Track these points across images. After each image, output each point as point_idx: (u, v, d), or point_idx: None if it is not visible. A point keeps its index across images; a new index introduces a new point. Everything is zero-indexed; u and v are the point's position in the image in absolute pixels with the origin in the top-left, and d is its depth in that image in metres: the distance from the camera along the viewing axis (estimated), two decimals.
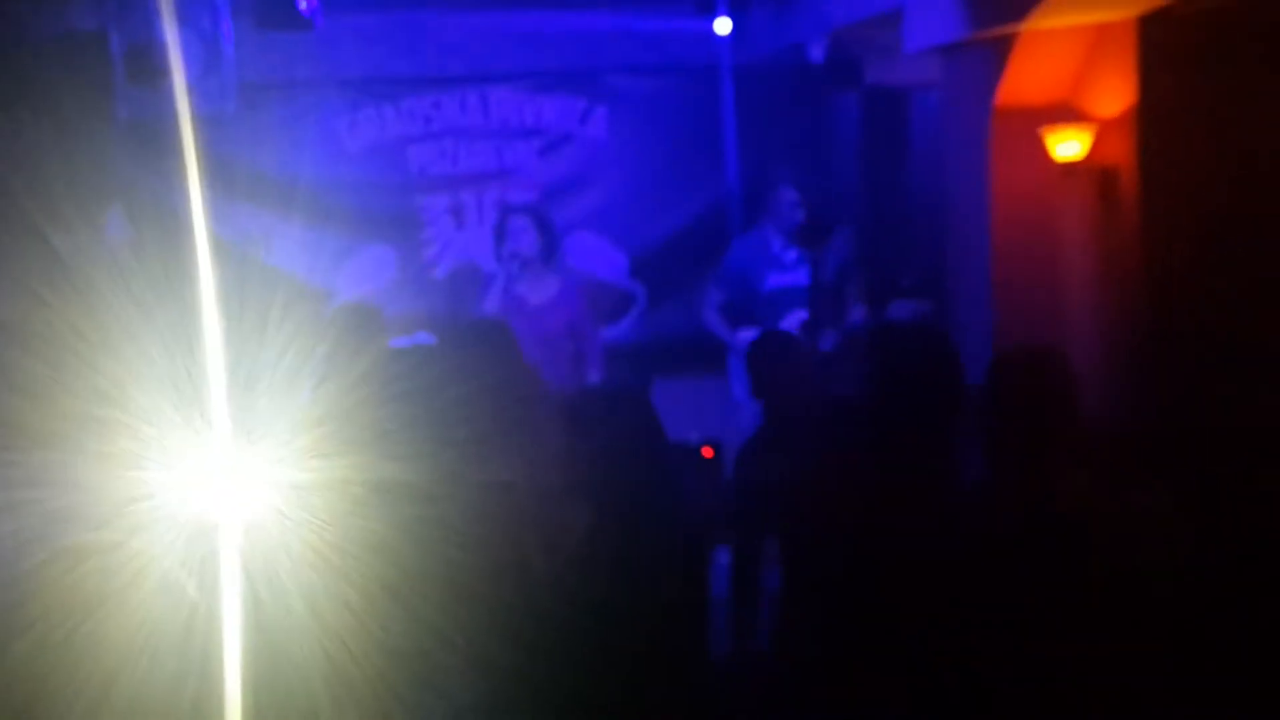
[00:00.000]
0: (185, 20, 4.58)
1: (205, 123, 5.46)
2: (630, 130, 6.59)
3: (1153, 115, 4.60)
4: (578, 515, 3.08)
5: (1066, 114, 4.91)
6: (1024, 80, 4.94)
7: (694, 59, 6.58)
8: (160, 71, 4.57)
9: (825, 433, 3.41)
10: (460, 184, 6.51)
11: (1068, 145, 4.86)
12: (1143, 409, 4.51)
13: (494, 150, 6.52)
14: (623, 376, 5.79)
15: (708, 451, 6.44)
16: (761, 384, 3.79)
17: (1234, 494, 3.28)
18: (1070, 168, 4.90)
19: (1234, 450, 3.73)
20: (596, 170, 6.60)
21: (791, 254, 5.51)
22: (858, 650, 2.93)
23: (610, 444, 3.21)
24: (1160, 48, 4.54)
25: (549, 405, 3.72)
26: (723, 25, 5.04)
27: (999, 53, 4.92)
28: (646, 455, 3.34)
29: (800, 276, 5.49)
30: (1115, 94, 4.76)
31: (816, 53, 6.19)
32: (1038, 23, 4.60)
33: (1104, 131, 4.81)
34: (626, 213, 6.65)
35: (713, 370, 6.85)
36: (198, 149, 6.36)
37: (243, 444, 2.80)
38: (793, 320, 5.47)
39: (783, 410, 3.71)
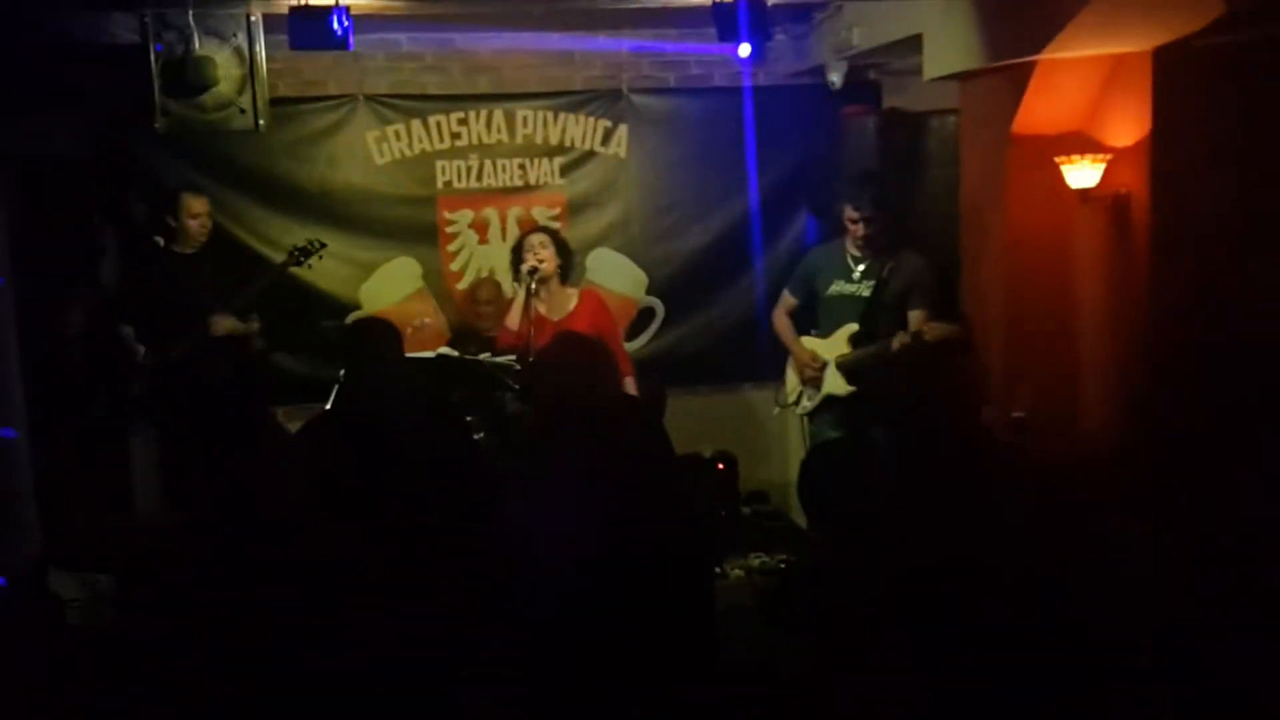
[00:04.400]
0: (221, 36, 4.71)
1: (238, 136, 5.62)
2: (652, 149, 6.69)
3: (1166, 145, 4.65)
4: (590, 528, 3.16)
5: (1081, 144, 4.97)
6: (1040, 110, 5.01)
7: (715, 80, 6.72)
8: (197, 86, 4.71)
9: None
10: (485, 199, 6.63)
11: (1082, 174, 4.92)
12: (1151, 434, 4.56)
13: (519, 167, 6.63)
14: (640, 390, 5.88)
15: (720, 465, 6.55)
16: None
17: (1233, 515, 3.35)
18: (1085, 196, 4.96)
19: (1235, 474, 3.80)
20: (618, 188, 6.71)
21: (860, 267, 5.61)
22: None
23: (619, 454, 3.29)
24: (1174, 79, 4.60)
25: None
26: (744, 49, 5.15)
27: (1017, 82, 5.00)
28: (654, 465, 3.42)
29: (863, 288, 5.58)
30: (1129, 124, 4.83)
31: (836, 76, 6.30)
32: (1054, 53, 4.67)
33: (1118, 161, 4.87)
34: (646, 230, 6.75)
35: (728, 386, 6.97)
36: (231, 161, 6.56)
37: None
38: (846, 330, 5.58)
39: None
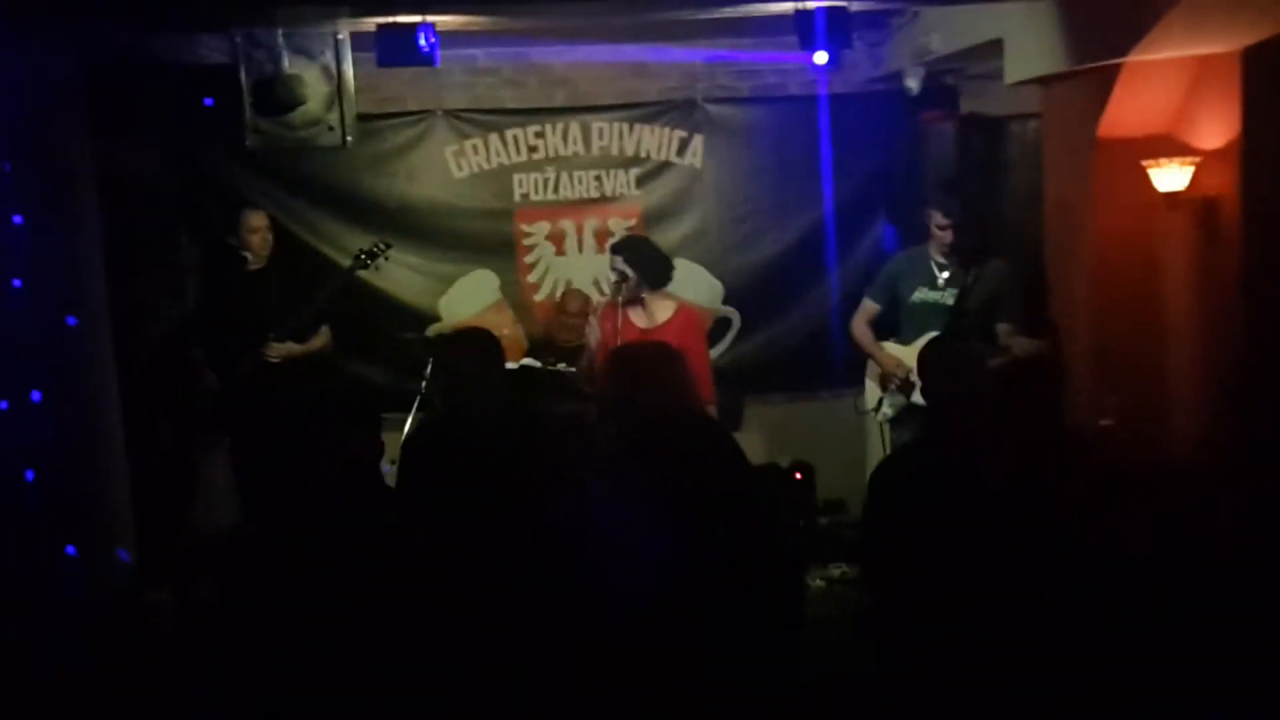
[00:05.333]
0: (310, 55, 4.80)
1: (319, 152, 5.72)
2: (727, 159, 6.69)
3: (1256, 147, 4.58)
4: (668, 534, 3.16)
5: (1169, 146, 4.90)
6: (1127, 112, 4.95)
7: (790, 89, 6.71)
8: (286, 104, 4.81)
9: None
10: (561, 211, 6.67)
11: (1170, 177, 4.86)
12: (1241, 439, 4.48)
13: (595, 178, 6.67)
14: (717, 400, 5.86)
15: (797, 474, 6.52)
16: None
17: None
18: (1172, 200, 4.89)
19: None
20: (694, 198, 6.72)
21: (944, 274, 5.56)
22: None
23: (694, 466, 3.28)
24: (1263, 79, 4.53)
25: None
26: (820, 57, 5.12)
27: (1102, 85, 4.94)
28: (731, 477, 3.42)
29: (947, 296, 5.52)
30: (1218, 126, 4.76)
31: (913, 82, 6.26)
32: (1141, 55, 4.62)
33: (1206, 164, 4.80)
34: (723, 239, 6.75)
35: (804, 394, 6.93)
36: (311, 177, 6.66)
37: None
38: (929, 338, 5.51)
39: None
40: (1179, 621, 2.89)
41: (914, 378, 5.56)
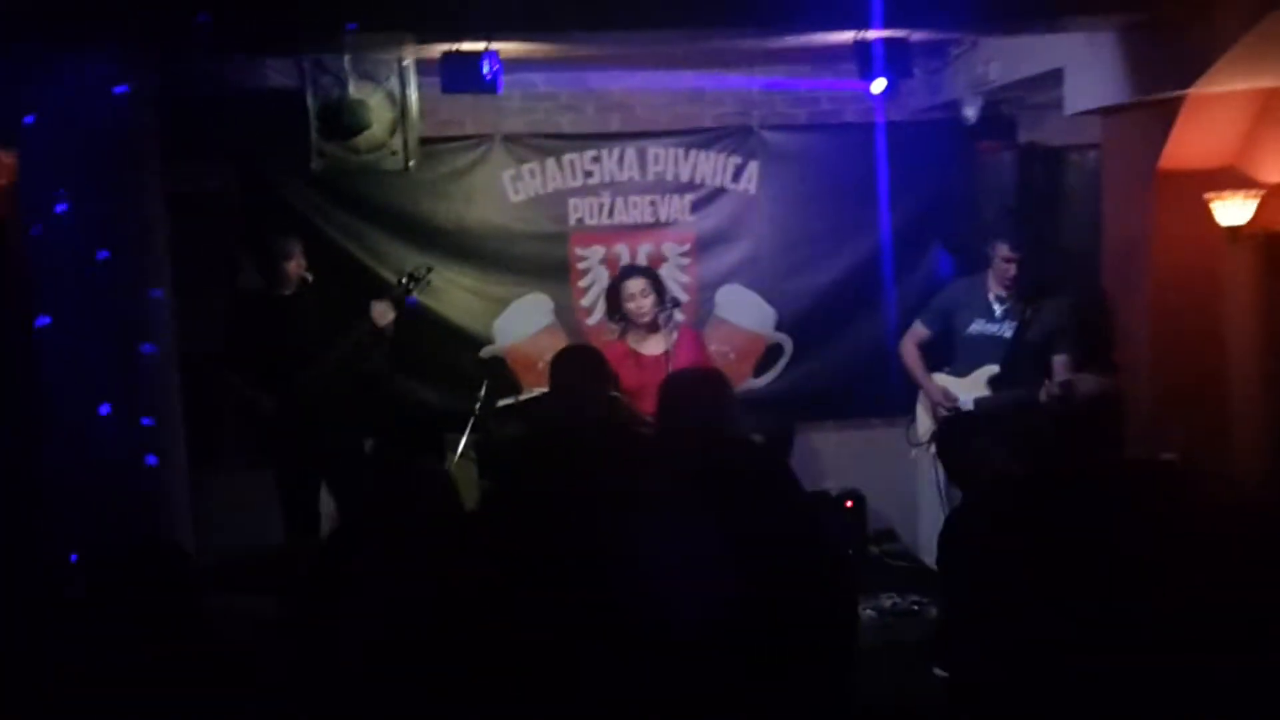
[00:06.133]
0: (375, 80, 4.88)
1: (378, 175, 5.79)
2: (782, 185, 6.70)
3: None
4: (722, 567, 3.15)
5: (1232, 179, 4.86)
6: (1190, 144, 4.91)
7: (846, 116, 6.73)
8: (351, 128, 4.88)
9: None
10: (616, 235, 6.71)
11: (1233, 211, 4.82)
12: None
13: (649, 203, 6.71)
14: (767, 427, 5.86)
15: (849, 502, 6.50)
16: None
17: None
18: (1235, 233, 4.85)
19: None
20: (748, 224, 6.73)
21: (1002, 305, 5.51)
22: None
23: (744, 495, 3.28)
24: None
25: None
26: (878, 85, 5.11)
27: (1164, 116, 4.91)
28: (784, 505, 3.41)
29: (1004, 329, 5.47)
30: None
31: (971, 111, 6.24)
32: (1205, 88, 4.58)
33: (1271, 197, 4.76)
34: (776, 266, 6.75)
35: (856, 422, 6.91)
36: (367, 198, 6.73)
37: None
38: (984, 371, 5.49)
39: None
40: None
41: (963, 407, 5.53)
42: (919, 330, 5.81)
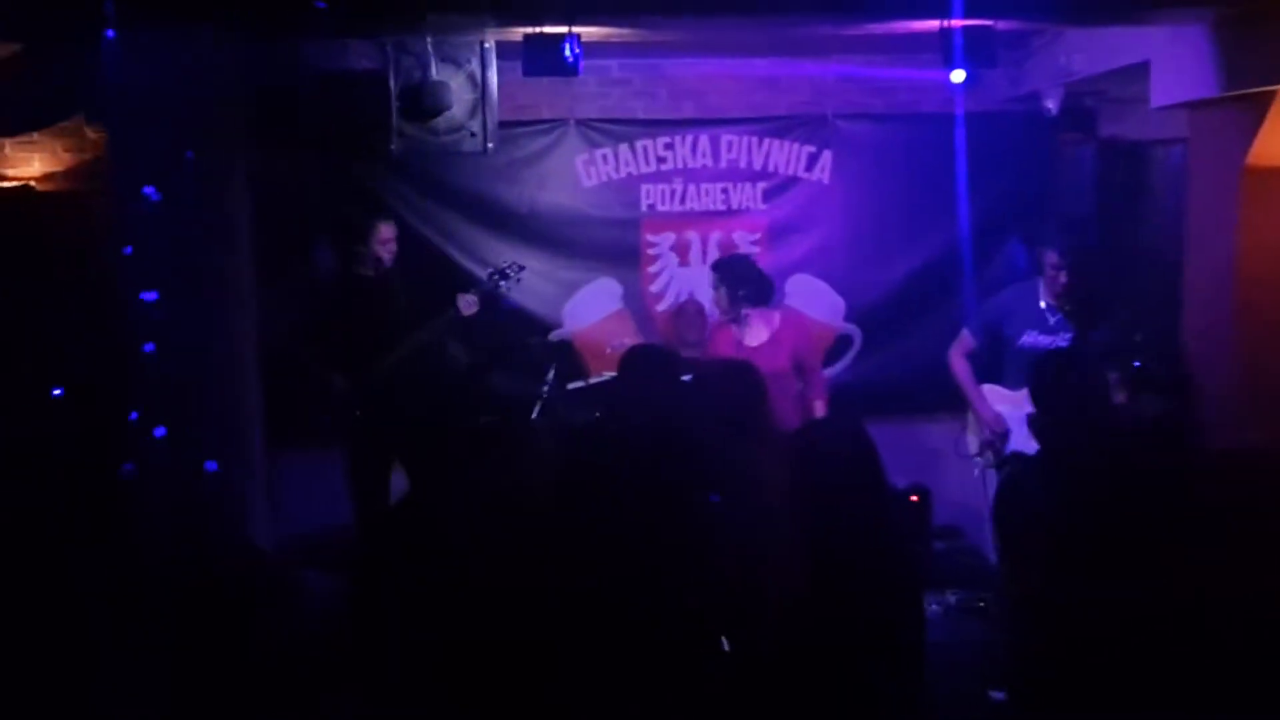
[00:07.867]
0: (457, 63, 4.90)
1: (454, 158, 5.82)
2: (857, 175, 6.65)
3: None
4: (801, 550, 3.14)
5: None
6: (1279, 141, 4.81)
7: (924, 107, 6.65)
8: (431, 110, 4.91)
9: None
10: (687, 222, 6.70)
11: None
12: None
13: (721, 191, 6.68)
14: (840, 416, 5.83)
15: (914, 497, 6.44)
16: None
17: None
18: None
19: None
20: (820, 214, 6.69)
21: (1056, 317, 5.37)
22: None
23: (835, 480, 3.27)
24: None
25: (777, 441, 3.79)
26: (958, 75, 5.01)
27: (1254, 111, 4.81)
28: (871, 491, 3.39)
29: (1059, 340, 5.32)
30: None
31: (1052, 103, 6.15)
32: None
33: None
34: (848, 257, 6.71)
35: (924, 416, 6.84)
36: (442, 181, 6.76)
37: None
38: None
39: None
40: None
41: (1010, 439, 5.36)
42: (967, 340, 5.63)
